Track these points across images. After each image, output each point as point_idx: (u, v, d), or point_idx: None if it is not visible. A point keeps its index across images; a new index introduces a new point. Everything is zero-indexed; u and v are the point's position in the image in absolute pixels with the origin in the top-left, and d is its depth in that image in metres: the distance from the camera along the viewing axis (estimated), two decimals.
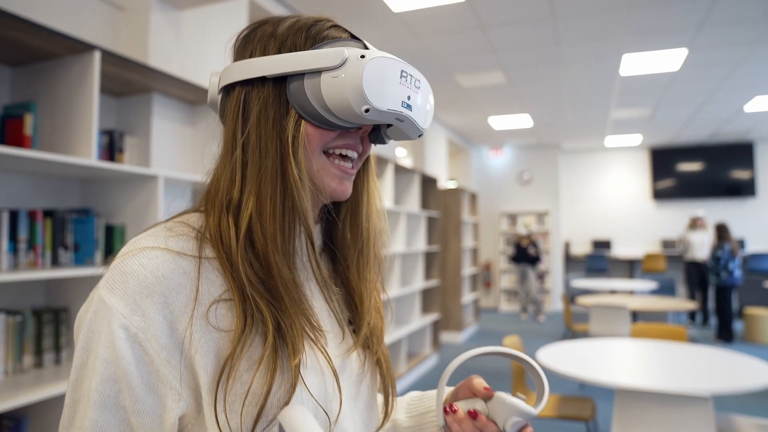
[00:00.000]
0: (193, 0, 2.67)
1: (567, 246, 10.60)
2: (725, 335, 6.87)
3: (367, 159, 0.71)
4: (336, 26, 0.65)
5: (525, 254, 8.75)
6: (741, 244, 9.32)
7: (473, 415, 0.67)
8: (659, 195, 10.13)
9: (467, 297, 7.67)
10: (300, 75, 0.60)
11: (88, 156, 1.92)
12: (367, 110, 0.58)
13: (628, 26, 4.49)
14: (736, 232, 9.58)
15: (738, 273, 6.75)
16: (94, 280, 2.11)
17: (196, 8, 2.82)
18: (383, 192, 4.83)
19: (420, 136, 0.67)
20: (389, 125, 0.66)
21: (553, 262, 10.01)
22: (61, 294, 2.18)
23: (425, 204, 6.28)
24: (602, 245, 10.37)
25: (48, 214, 2.09)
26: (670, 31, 4.59)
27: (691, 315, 8.22)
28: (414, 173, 5.64)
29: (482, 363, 5.88)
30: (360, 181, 0.71)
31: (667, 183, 10.09)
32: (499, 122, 8.28)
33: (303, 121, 0.61)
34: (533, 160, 10.44)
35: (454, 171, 10.59)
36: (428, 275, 6.25)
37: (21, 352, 1.96)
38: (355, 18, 4.33)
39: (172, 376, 0.56)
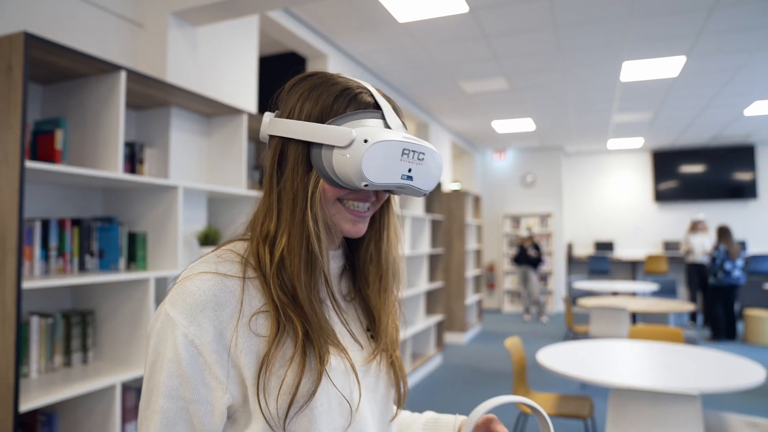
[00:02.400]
0: (208, 17, 2.80)
1: (570, 247, 10.70)
2: (729, 334, 7.00)
3: (388, 199, 0.83)
4: (362, 97, 0.75)
5: (526, 256, 8.86)
6: (743, 245, 9.41)
7: None
8: (661, 197, 10.23)
9: (471, 298, 7.79)
10: (322, 145, 0.72)
11: (115, 169, 2.05)
12: (365, 185, 0.71)
13: (628, 35, 4.61)
14: (737, 233, 9.67)
15: (737, 273, 6.85)
16: (118, 285, 2.25)
17: (210, 24, 2.95)
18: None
19: (425, 194, 0.79)
20: None
21: (556, 264, 10.12)
22: (87, 298, 2.32)
23: (429, 207, 6.41)
24: (605, 247, 10.46)
25: (75, 222, 2.23)
26: (668, 39, 4.70)
27: (692, 317, 8.31)
28: None
29: (486, 364, 6.01)
30: (383, 217, 0.84)
31: (669, 185, 10.18)
32: (502, 126, 8.39)
33: (320, 179, 0.74)
34: (536, 162, 10.55)
35: (459, 174, 10.70)
36: (432, 277, 6.38)
37: (52, 352, 2.10)
38: (363, 28, 4.46)
39: (221, 373, 0.69)
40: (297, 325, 0.72)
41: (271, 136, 0.77)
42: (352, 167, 0.69)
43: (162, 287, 2.57)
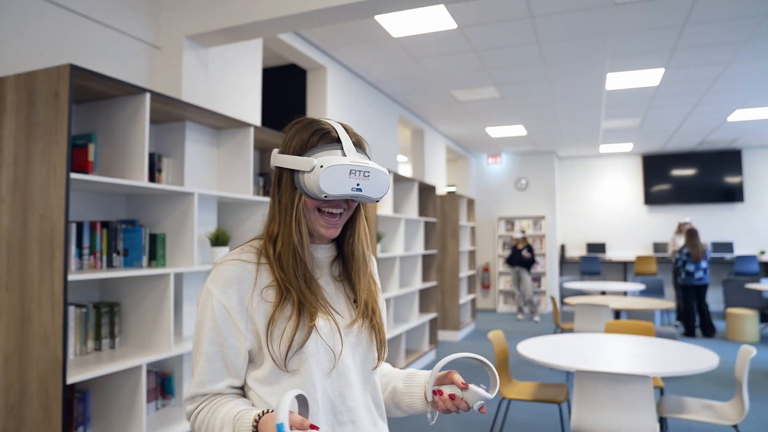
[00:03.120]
0: (219, 39, 3.11)
1: (562, 249, 11.01)
2: (706, 332, 7.34)
3: (358, 207, 1.15)
4: (330, 134, 1.07)
5: (520, 257, 9.16)
6: (729, 247, 9.74)
7: (452, 397, 1.12)
8: (651, 200, 10.54)
9: (464, 298, 8.10)
10: (299, 171, 1.04)
11: (141, 178, 2.37)
12: (325, 196, 1.02)
13: (607, 50, 4.93)
14: (725, 236, 10.00)
15: (700, 274, 7.20)
16: (141, 279, 2.56)
17: (219, 46, 3.27)
18: (384, 202, 5.29)
19: (377, 201, 1.09)
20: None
21: (548, 265, 10.43)
22: (113, 291, 2.63)
23: (423, 210, 6.71)
24: (596, 248, 10.77)
25: (104, 225, 2.54)
26: (646, 54, 5.02)
27: (678, 316, 8.62)
28: (413, 182, 6.07)
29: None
30: (354, 221, 1.15)
31: (659, 188, 10.50)
32: (496, 131, 8.70)
33: (302, 195, 1.06)
34: (530, 166, 10.86)
35: (454, 177, 11.02)
36: (426, 277, 6.68)
37: (85, 337, 2.41)
38: (359, 43, 4.77)
39: (243, 327, 1.03)
40: (294, 295, 1.04)
41: (275, 166, 1.09)
42: (314, 184, 1.01)
43: (180, 282, 2.89)
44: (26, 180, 2.09)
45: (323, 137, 1.07)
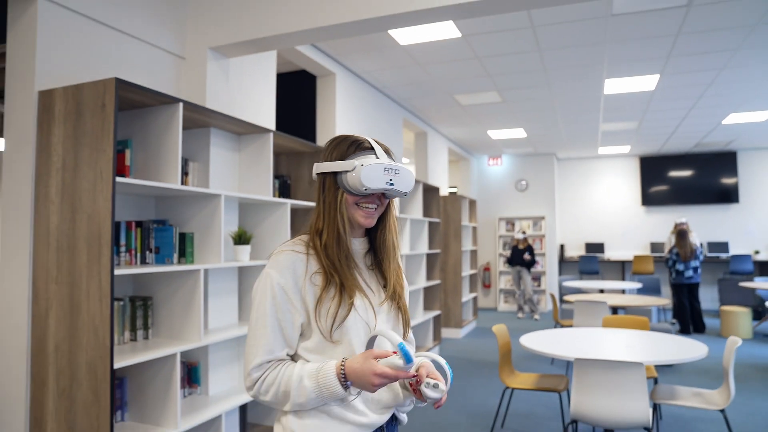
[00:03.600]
0: (240, 50, 3.32)
1: (562, 249, 11.22)
2: (697, 328, 7.58)
3: (389, 204, 1.36)
4: (363, 144, 1.29)
5: (520, 257, 9.37)
6: (725, 247, 9.96)
7: (419, 382, 1.26)
8: (649, 200, 10.76)
9: (466, 296, 8.31)
10: (342, 172, 1.26)
11: (175, 181, 2.57)
12: (365, 189, 1.24)
13: (605, 57, 5.14)
14: (721, 236, 10.22)
15: (690, 273, 7.42)
16: (172, 275, 2.76)
17: (239, 57, 3.47)
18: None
19: (405, 195, 1.31)
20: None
21: (548, 265, 10.64)
22: (146, 286, 2.83)
23: (427, 211, 6.92)
24: (595, 248, 10.98)
25: (138, 224, 2.74)
26: (642, 60, 5.23)
27: (674, 314, 8.83)
28: (418, 183, 6.28)
29: (479, 356, 6.52)
30: (386, 217, 1.36)
31: (657, 189, 10.72)
32: (497, 134, 8.91)
33: (344, 193, 1.27)
34: (530, 167, 11.07)
35: (455, 179, 11.23)
36: (430, 275, 6.89)
37: (123, 328, 2.61)
38: (367, 50, 4.98)
39: (297, 304, 1.24)
40: (336, 279, 1.25)
41: (318, 173, 1.30)
42: (357, 180, 1.24)
43: (206, 278, 3.09)
44: (74, 183, 2.29)
45: (359, 146, 1.30)
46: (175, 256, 2.80)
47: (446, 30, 4.48)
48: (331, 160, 1.29)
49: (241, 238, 3.14)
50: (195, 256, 2.89)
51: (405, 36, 4.64)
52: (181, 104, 2.59)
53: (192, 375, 3.05)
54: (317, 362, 1.22)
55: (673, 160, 10.61)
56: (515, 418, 4.24)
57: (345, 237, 1.28)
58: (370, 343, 1.20)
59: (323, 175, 1.30)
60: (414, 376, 1.19)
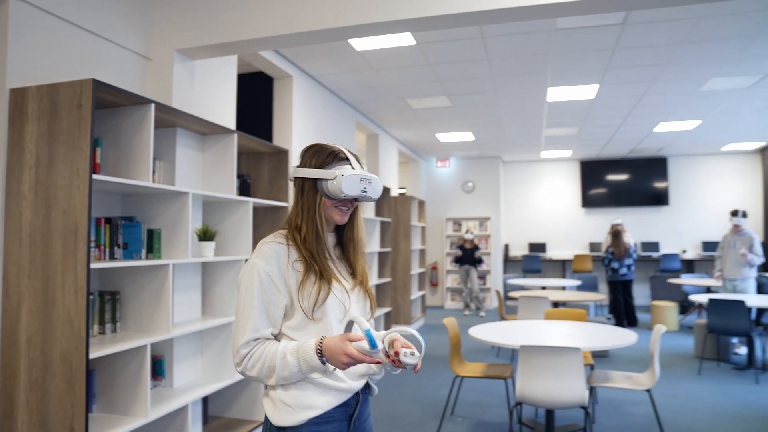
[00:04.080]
0: (206, 53, 3.42)
1: (506, 248, 11.66)
2: (630, 322, 8.13)
3: (357, 206, 1.55)
4: (340, 155, 1.48)
5: (468, 256, 9.73)
6: (656, 246, 10.64)
7: (397, 353, 1.44)
8: (588, 203, 11.35)
9: (415, 294, 8.57)
10: (322, 179, 1.43)
11: (147, 179, 2.66)
12: (344, 195, 1.41)
13: (549, 67, 5.48)
14: (653, 236, 10.90)
15: (624, 271, 7.95)
16: (141, 270, 2.85)
17: (204, 59, 3.57)
18: None
19: (375, 200, 1.50)
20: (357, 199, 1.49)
21: (493, 264, 11.06)
22: (114, 280, 2.90)
23: (379, 210, 7.13)
24: (537, 248, 11.49)
25: (107, 221, 2.81)
26: (583, 71, 5.61)
27: (610, 308, 9.38)
28: None
29: (428, 352, 6.76)
30: (354, 216, 1.55)
31: (595, 192, 11.32)
32: (445, 137, 9.22)
33: (323, 197, 1.45)
34: (477, 170, 11.46)
35: (405, 180, 11.49)
36: (381, 273, 7.10)
37: (92, 322, 2.68)
38: (325, 55, 5.14)
39: (282, 287, 1.40)
40: (315, 268, 1.42)
41: (296, 177, 1.48)
42: (337, 188, 1.42)
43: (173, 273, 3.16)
44: (49, 180, 2.36)
45: (336, 156, 1.48)
46: (144, 251, 2.89)
47: (402, 38, 4.70)
48: (310, 167, 1.47)
49: (206, 235, 3.25)
50: (162, 251, 2.98)
51: (361, 42, 4.82)
52: (153, 105, 2.68)
53: (157, 367, 3.14)
54: (298, 340, 1.39)
55: (610, 165, 11.23)
56: (464, 405, 4.49)
57: (323, 234, 1.46)
58: (348, 327, 1.38)
59: (302, 179, 1.48)
60: (378, 362, 1.35)
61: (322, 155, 1.47)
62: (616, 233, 8.07)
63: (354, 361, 1.30)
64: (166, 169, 3.20)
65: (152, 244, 2.95)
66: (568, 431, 3.84)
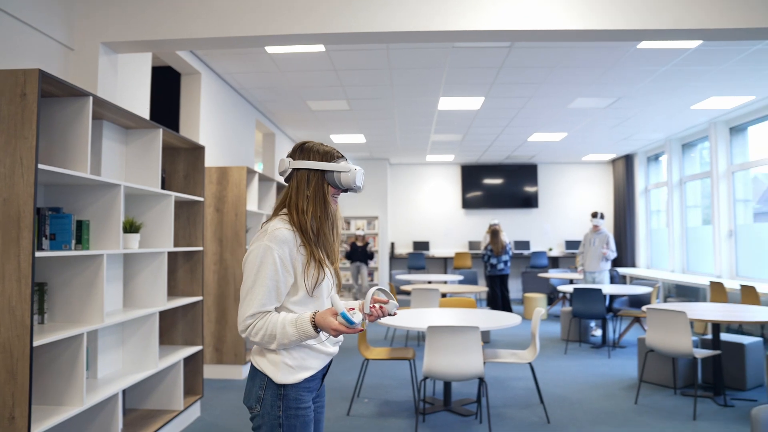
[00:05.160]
0: (129, 48, 3.46)
1: (392, 246, 12.25)
2: (507, 312, 8.98)
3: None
4: (339, 153, 1.75)
5: (358, 253, 10.15)
6: (527, 245, 11.77)
7: (381, 308, 1.75)
8: (467, 204, 12.26)
9: None
10: (332, 171, 1.70)
11: (84, 170, 2.71)
12: (355, 185, 1.70)
13: (443, 79, 6.02)
14: (524, 236, 12.02)
15: (501, 266, 8.78)
16: (70, 260, 2.87)
17: (126, 54, 3.60)
18: (251, 196, 5.81)
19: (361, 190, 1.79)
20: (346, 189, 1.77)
21: (381, 261, 11.58)
22: (41, 271, 2.89)
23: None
24: (421, 246, 12.20)
25: (36, 211, 2.80)
26: (472, 85, 6.22)
27: (488, 301, 10.27)
28: (272, 181, 6.64)
29: None
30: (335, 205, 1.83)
31: (473, 194, 12.25)
32: (339, 138, 9.55)
33: (328, 186, 1.71)
34: (366, 171, 11.83)
35: None
36: None
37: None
38: (234, 54, 5.25)
39: (290, 269, 1.64)
40: (317, 255, 1.67)
41: (298, 169, 1.72)
42: (350, 179, 1.69)
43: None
44: None
45: (335, 154, 1.75)
46: (73, 242, 2.91)
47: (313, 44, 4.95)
48: (320, 161, 1.70)
49: (131, 227, 3.30)
50: (91, 243, 3.02)
51: (274, 45, 5.01)
52: (91, 98, 2.74)
53: None
54: (296, 313, 1.64)
55: (487, 170, 12.22)
56: (369, 388, 4.85)
57: (330, 214, 1.72)
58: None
59: (308, 171, 1.70)
60: (361, 330, 1.64)
61: (328, 153, 1.72)
62: (494, 232, 8.87)
63: (341, 333, 1.57)
64: (93, 161, 3.21)
65: (81, 235, 2.97)
66: (464, 404, 4.33)
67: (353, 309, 1.59)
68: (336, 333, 1.58)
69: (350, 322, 1.56)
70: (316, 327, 1.59)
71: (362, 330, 1.60)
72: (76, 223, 2.96)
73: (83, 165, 2.72)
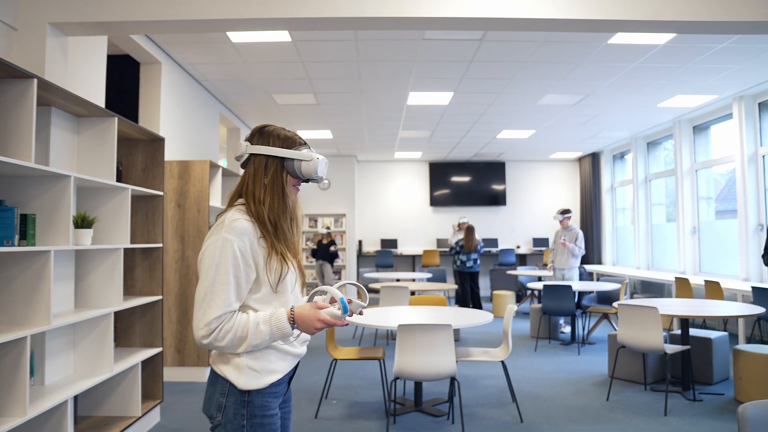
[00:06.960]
0: (79, 30, 3.22)
1: (360, 244, 12.11)
2: (477, 309, 8.94)
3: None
4: (301, 140, 1.61)
5: (324, 251, 9.98)
6: (495, 242, 11.78)
7: (349, 302, 1.64)
8: (435, 202, 12.20)
9: None
10: (291, 159, 1.55)
11: (29, 159, 2.49)
12: (317, 176, 1.56)
13: (412, 73, 5.91)
14: (492, 233, 12.03)
15: (470, 263, 8.73)
16: (13, 257, 2.65)
17: (78, 37, 3.37)
18: (214, 192, 5.60)
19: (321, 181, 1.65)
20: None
21: (348, 259, 11.43)
22: None
23: None
24: (389, 243, 12.09)
25: None
26: (441, 79, 6.13)
27: (457, 299, 10.23)
28: (237, 177, 6.42)
29: None
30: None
31: (441, 192, 12.20)
32: (304, 134, 9.36)
33: (288, 175, 1.57)
34: (333, 168, 11.73)
35: None
36: None
37: None
38: (197, 43, 5.03)
39: (251, 263, 1.48)
40: (278, 247, 1.53)
41: (255, 154, 1.57)
42: (312, 169, 1.56)
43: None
44: None
45: (300, 141, 1.61)
46: (17, 238, 2.68)
47: (278, 33, 4.78)
48: (278, 147, 1.55)
49: (83, 222, 3.09)
50: (37, 238, 2.79)
51: (238, 34, 4.81)
52: (35, 80, 2.52)
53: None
54: (265, 311, 1.49)
55: (455, 167, 12.19)
56: (337, 389, 4.71)
57: (289, 207, 1.58)
58: (311, 297, 1.54)
59: (266, 157, 1.56)
60: (346, 324, 1.53)
61: (290, 138, 1.58)
62: (469, 229, 8.78)
63: (326, 326, 1.45)
64: (39, 151, 2.98)
65: (26, 230, 2.74)
66: (435, 404, 4.23)
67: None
68: (318, 329, 1.46)
69: (345, 309, 1.45)
70: (294, 323, 1.46)
71: (346, 324, 1.49)
72: (20, 217, 2.74)
73: (27, 153, 2.51)
